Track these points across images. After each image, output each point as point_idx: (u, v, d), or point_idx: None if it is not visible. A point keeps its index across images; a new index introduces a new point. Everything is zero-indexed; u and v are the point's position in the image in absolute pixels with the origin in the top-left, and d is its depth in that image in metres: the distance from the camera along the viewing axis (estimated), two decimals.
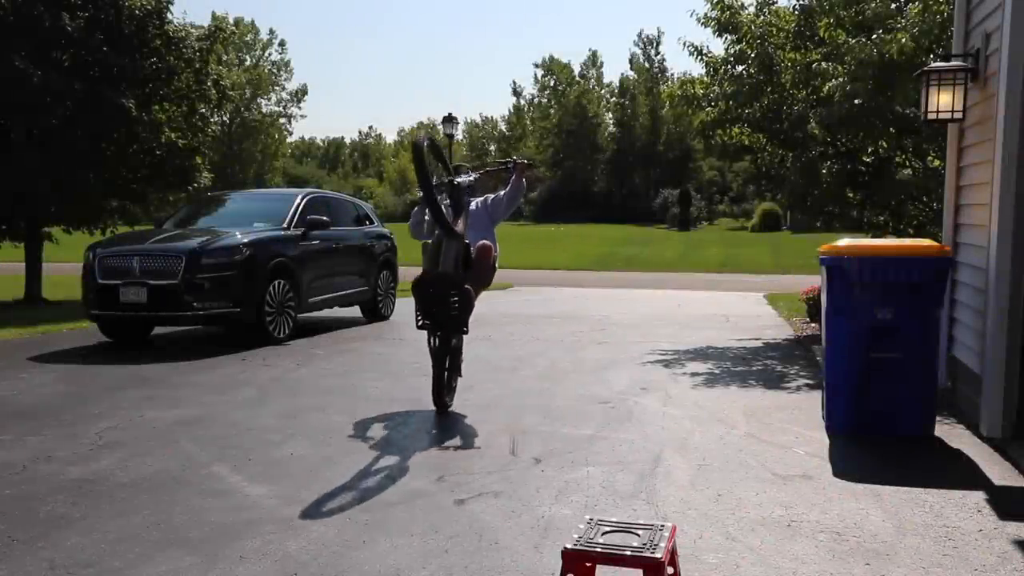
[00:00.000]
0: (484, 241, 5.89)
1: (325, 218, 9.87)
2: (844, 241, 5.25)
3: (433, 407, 5.69)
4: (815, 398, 6.10)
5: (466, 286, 5.51)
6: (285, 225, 9.48)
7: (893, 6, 8.23)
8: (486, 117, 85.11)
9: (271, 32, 65.06)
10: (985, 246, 5.12)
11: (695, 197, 54.06)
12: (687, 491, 4.04)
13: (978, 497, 3.96)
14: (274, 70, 63.62)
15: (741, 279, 20.28)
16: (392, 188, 74.02)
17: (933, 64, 6.07)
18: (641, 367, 7.55)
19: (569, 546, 2.46)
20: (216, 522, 3.61)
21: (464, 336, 5.83)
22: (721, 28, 9.54)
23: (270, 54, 63.44)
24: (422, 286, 5.51)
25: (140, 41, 12.68)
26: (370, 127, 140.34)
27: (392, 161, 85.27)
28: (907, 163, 8.94)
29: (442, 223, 5.29)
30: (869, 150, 9.04)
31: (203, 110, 14.33)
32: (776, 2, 9.72)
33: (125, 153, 12.85)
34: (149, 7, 12.68)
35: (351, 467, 4.41)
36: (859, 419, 5.06)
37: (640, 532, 2.54)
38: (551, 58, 71.24)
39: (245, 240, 8.75)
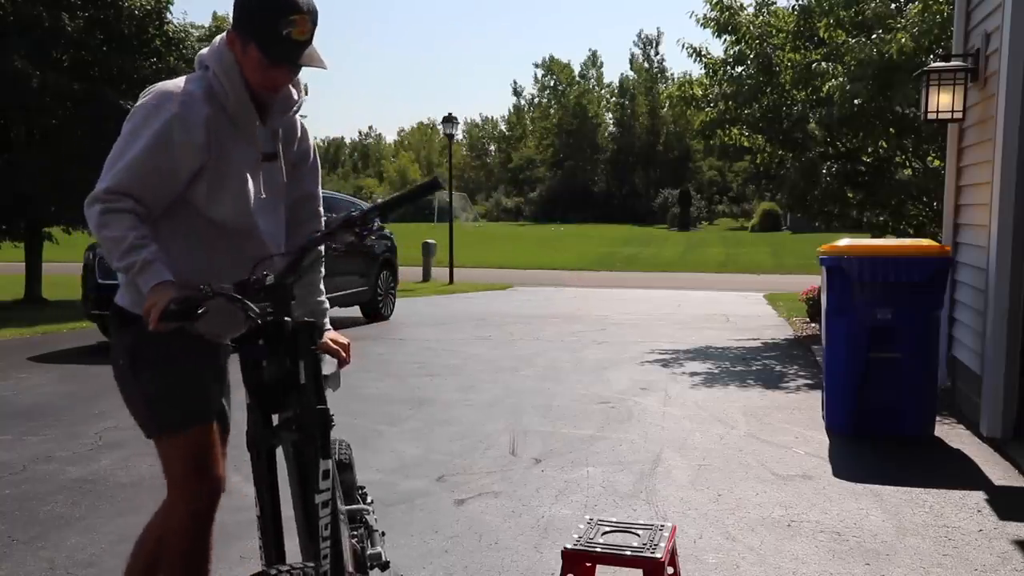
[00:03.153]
0: None
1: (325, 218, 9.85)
2: (844, 241, 5.24)
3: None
4: (815, 398, 6.10)
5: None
6: None
7: (893, 6, 8.23)
8: (486, 117, 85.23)
9: None
10: (985, 246, 5.12)
11: (695, 197, 54.03)
12: (687, 491, 4.04)
13: (978, 497, 3.96)
14: None
15: (741, 279, 20.27)
16: (392, 188, 73.95)
17: (933, 64, 6.07)
18: (641, 367, 7.55)
19: (569, 546, 2.46)
20: (216, 522, 3.60)
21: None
22: (720, 29, 9.53)
23: None
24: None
25: (140, 41, 12.69)
26: (370, 127, 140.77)
27: (392, 161, 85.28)
28: (907, 163, 8.94)
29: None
30: (869, 150, 9.04)
31: None
32: (775, 2, 9.72)
33: None
34: (149, 7, 12.68)
35: None
36: (859, 419, 5.06)
37: (640, 532, 2.54)
38: (551, 58, 71.36)
39: None
